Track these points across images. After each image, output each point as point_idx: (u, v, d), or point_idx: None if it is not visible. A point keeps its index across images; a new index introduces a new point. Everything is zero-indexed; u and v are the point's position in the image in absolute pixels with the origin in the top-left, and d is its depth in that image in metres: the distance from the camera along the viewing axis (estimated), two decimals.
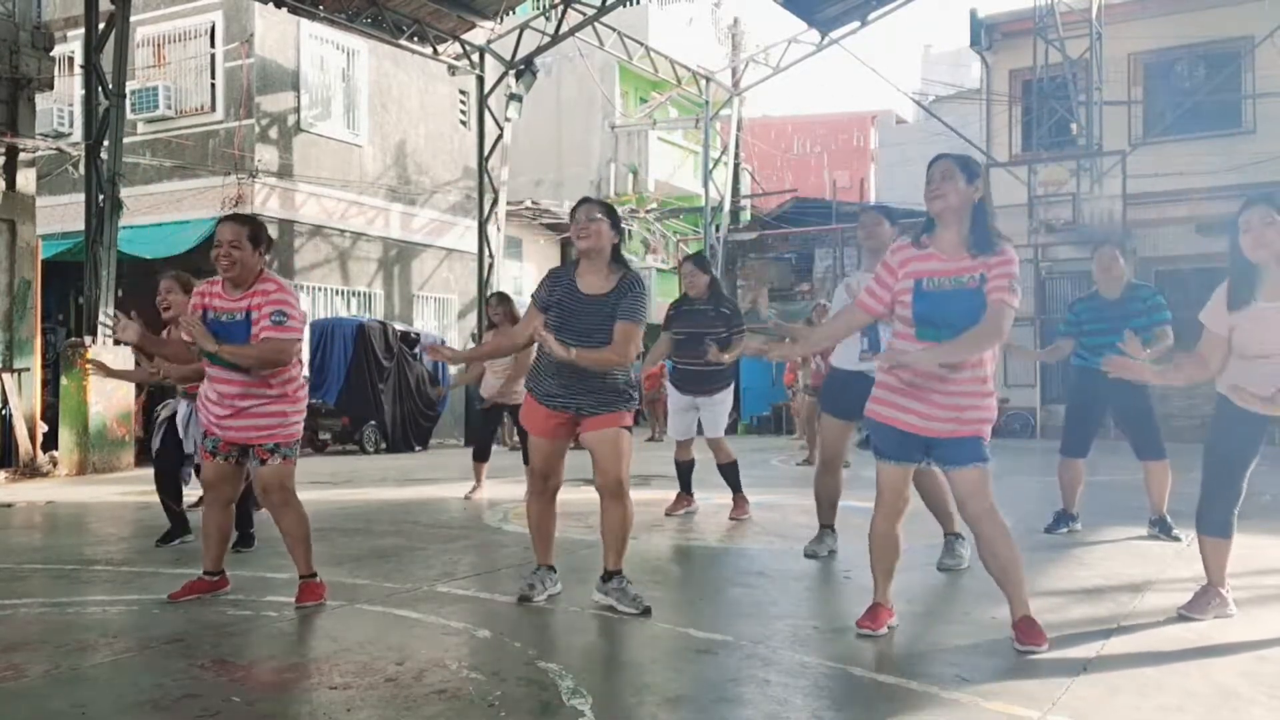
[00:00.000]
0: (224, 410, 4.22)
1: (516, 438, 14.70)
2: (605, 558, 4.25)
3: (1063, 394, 17.29)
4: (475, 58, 17.49)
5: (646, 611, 4.05)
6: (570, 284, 4.20)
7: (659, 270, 28.12)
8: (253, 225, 4.27)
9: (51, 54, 12.43)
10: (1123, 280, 5.98)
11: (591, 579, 4.67)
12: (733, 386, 7.02)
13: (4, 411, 11.17)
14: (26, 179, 12.00)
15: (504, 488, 8.69)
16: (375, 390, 14.87)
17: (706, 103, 21.40)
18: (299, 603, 4.22)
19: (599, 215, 4.18)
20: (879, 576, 3.82)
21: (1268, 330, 3.76)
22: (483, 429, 8.71)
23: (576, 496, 6.80)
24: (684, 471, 7.15)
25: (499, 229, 17.67)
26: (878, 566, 3.82)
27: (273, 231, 15.75)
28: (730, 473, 6.94)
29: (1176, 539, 5.85)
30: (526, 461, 8.19)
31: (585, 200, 4.33)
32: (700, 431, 7.01)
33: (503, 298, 8.19)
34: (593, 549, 5.53)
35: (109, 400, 11.24)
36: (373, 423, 14.99)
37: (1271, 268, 3.76)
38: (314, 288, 16.81)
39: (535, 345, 4.36)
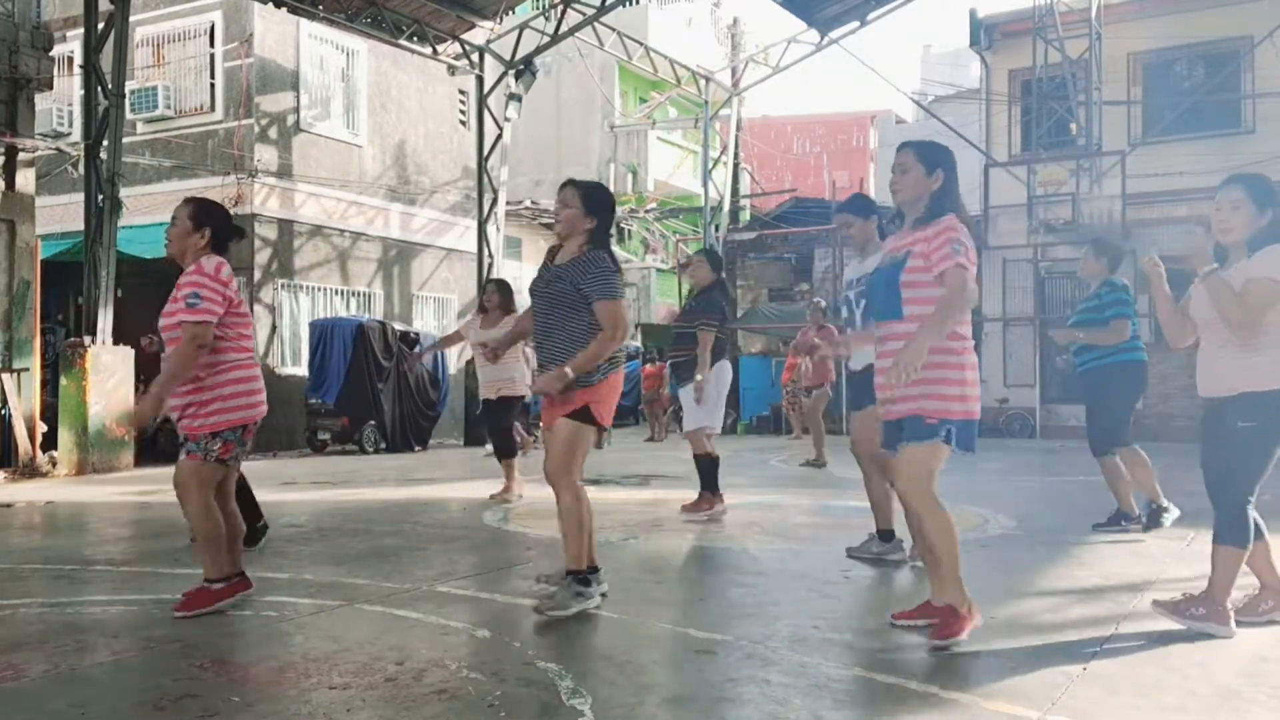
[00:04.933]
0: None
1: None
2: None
3: (1062, 394, 17.31)
4: (475, 58, 17.48)
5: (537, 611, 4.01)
6: (550, 260, 4.27)
7: (659, 270, 28.15)
8: (194, 205, 4.28)
9: (51, 54, 12.41)
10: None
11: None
12: (696, 378, 6.65)
13: (3, 411, 11.16)
14: (26, 179, 11.99)
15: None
16: (375, 390, 14.87)
17: (706, 103, 21.38)
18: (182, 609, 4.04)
19: (571, 203, 4.18)
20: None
21: None
22: (497, 424, 8.06)
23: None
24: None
25: (499, 229, 17.66)
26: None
27: (272, 231, 15.91)
28: (701, 466, 6.75)
29: (1127, 530, 6.09)
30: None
31: (568, 182, 4.29)
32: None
33: (501, 285, 8.14)
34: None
35: (108, 400, 11.24)
36: (372, 423, 14.98)
37: None
38: (314, 288, 16.80)
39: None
